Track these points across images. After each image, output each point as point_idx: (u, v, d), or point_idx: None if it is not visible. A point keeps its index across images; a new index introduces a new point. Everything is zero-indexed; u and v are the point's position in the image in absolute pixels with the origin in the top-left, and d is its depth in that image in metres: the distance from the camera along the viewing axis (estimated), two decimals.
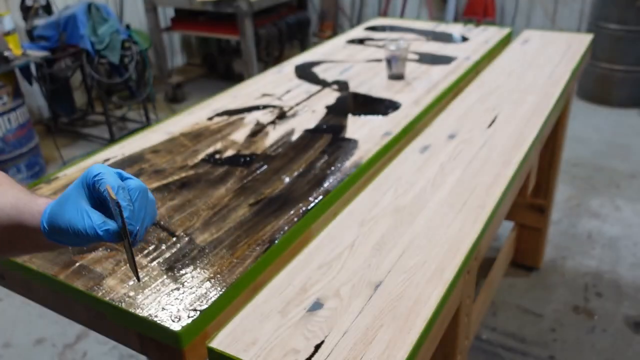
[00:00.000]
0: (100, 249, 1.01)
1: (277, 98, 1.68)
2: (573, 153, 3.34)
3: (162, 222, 1.08)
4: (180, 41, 5.24)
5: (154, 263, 0.97)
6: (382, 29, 2.36)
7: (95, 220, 0.61)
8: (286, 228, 1.05)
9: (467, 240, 1.02)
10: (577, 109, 3.95)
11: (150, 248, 1.01)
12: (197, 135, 1.45)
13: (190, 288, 0.91)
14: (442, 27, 2.33)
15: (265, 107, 1.61)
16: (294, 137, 1.42)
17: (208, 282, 0.92)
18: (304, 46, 4.69)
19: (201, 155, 1.34)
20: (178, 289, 0.91)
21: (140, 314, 0.86)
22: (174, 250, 1.00)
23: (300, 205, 1.12)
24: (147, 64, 3.84)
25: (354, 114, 1.54)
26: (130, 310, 0.87)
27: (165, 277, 0.94)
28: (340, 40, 2.23)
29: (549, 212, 2.28)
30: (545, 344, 2.03)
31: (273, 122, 1.51)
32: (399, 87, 1.71)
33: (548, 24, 4.75)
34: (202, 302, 0.88)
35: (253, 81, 1.84)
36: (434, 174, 1.23)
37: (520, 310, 2.19)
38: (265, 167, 1.28)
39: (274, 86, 1.77)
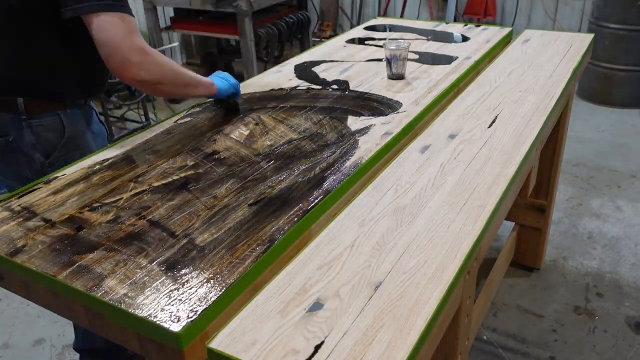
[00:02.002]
0: (100, 249, 1.01)
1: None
2: (574, 153, 3.34)
3: (161, 222, 1.08)
4: (180, 41, 5.24)
5: (154, 263, 0.97)
6: (382, 28, 2.36)
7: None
8: (286, 228, 1.04)
9: (467, 241, 1.01)
10: (578, 108, 3.95)
11: (150, 248, 1.01)
12: (197, 135, 1.45)
13: (190, 288, 0.90)
14: (442, 27, 2.33)
15: (264, 106, 1.61)
16: (294, 137, 1.41)
17: (208, 282, 0.92)
18: (304, 46, 4.68)
19: (201, 155, 1.34)
20: (177, 289, 0.90)
21: (140, 315, 0.86)
22: (173, 250, 1.00)
23: (300, 205, 1.12)
24: None
25: (354, 114, 1.54)
26: (129, 310, 0.86)
27: (164, 277, 0.93)
28: (340, 40, 2.23)
29: (550, 212, 2.28)
30: (546, 345, 2.02)
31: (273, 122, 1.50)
32: (399, 87, 1.71)
33: (549, 24, 4.75)
34: (201, 302, 0.87)
35: (253, 81, 1.84)
36: (434, 174, 1.23)
37: (520, 310, 2.19)
38: (265, 167, 1.27)
39: (273, 86, 1.76)
